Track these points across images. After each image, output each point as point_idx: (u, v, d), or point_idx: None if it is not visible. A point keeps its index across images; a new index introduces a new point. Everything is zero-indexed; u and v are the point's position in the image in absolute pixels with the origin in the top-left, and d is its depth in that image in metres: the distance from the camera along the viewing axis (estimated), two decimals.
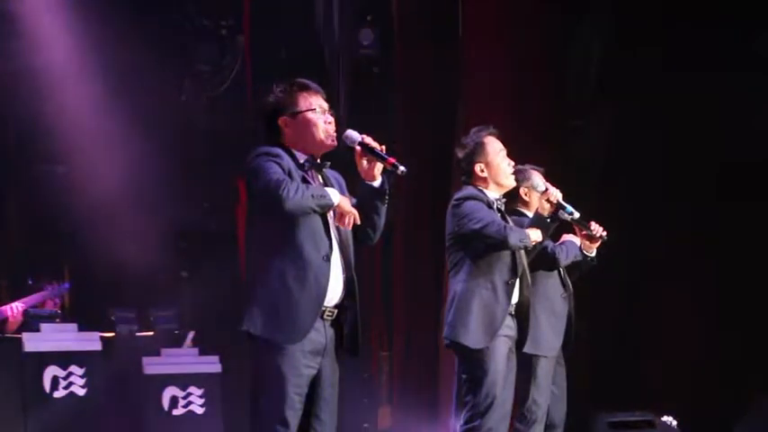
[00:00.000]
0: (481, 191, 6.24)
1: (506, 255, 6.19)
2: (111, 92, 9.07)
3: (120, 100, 9.05)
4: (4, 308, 8.03)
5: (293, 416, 4.86)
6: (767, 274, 8.97)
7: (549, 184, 6.51)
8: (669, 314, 9.17)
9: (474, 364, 6.07)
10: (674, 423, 8.13)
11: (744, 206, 9.05)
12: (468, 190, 6.25)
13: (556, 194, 6.39)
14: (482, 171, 6.29)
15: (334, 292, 4.93)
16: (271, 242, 4.88)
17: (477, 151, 6.31)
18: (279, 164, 4.85)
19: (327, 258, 4.88)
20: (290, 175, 4.86)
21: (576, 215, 6.51)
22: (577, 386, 7.12)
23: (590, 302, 7.17)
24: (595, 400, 8.29)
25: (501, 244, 6.07)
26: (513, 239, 6.06)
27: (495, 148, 6.31)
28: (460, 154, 6.35)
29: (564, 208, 6.44)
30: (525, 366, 6.49)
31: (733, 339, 8.98)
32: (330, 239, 4.91)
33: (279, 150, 4.93)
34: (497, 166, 6.29)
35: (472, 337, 6.07)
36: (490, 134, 6.35)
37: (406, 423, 9.58)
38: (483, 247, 6.13)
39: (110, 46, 9.11)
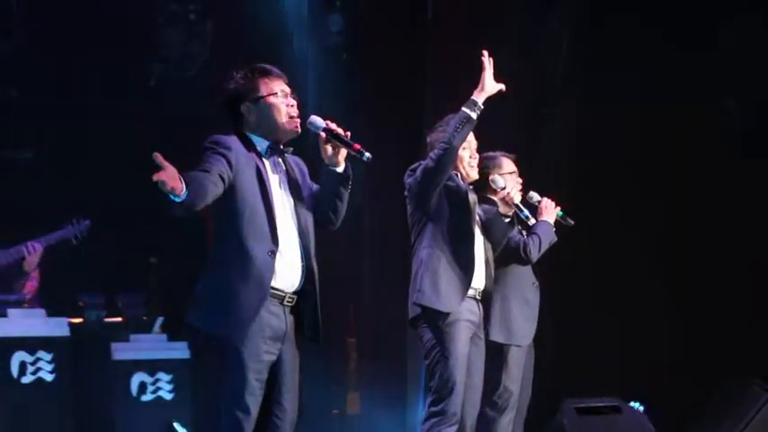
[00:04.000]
0: None
1: (463, 222, 6.21)
2: (78, 76, 9.04)
3: (86, 84, 9.03)
4: (21, 247, 8.04)
5: (253, 402, 4.86)
6: (735, 261, 9.03)
7: (509, 183, 6.55)
8: (637, 300, 9.21)
9: (435, 342, 6.08)
10: (642, 408, 8.18)
11: (716, 194, 9.11)
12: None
13: (513, 196, 6.42)
14: None
15: (292, 280, 4.94)
16: (219, 236, 4.90)
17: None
18: (224, 155, 4.84)
19: (273, 254, 4.87)
20: (237, 164, 4.85)
21: (532, 221, 6.56)
22: (544, 372, 7.16)
23: (558, 290, 7.20)
24: (562, 385, 8.32)
25: (447, 148, 6.02)
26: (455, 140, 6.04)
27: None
28: (428, 138, 6.37)
29: (521, 211, 6.47)
30: (496, 354, 6.51)
31: (701, 326, 9.03)
32: (276, 235, 4.91)
33: (229, 140, 4.92)
34: (459, 155, 6.29)
35: (444, 301, 6.06)
36: None
37: (374, 409, 9.60)
38: (437, 192, 6.13)
39: (75, 29, 9.09)
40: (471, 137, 6.29)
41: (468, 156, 6.35)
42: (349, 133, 5.01)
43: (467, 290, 6.12)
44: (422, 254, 6.17)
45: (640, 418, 7.88)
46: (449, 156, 6.03)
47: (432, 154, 6.07)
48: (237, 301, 4.83)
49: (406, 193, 6.27)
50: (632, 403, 8.12)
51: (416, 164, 6.21)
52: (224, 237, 4.88)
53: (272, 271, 4.86)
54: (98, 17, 9.21)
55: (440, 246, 6.14)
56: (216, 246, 4.92)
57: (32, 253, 8.08)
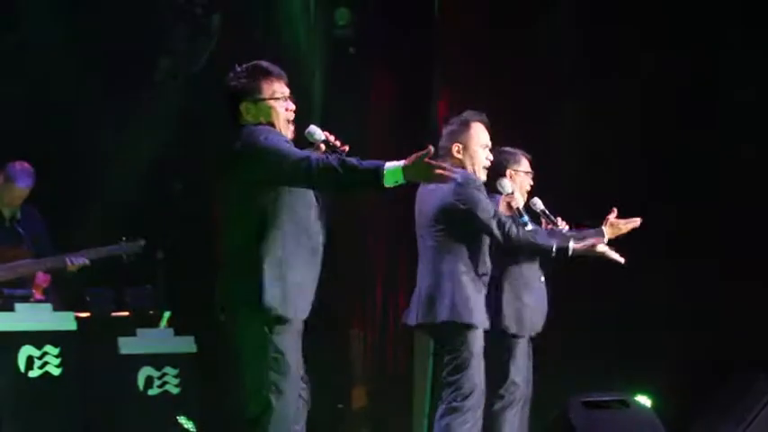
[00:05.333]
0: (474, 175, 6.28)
1: (487, 245, 6.25)
2: (82, 71, 9.03)
3: (91, 79, 9.02)
4: (63, 257, 8.03)
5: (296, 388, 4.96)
6: (742, 255, 9.02)
7: (519, 185, 6.58)
8: (644, 295, 9.21)
9: (463, 345, 6.12)
10: (648, 403, 8.18)
11: (721, 189, 9.10)
12: (469, 174, 6.28)
13: (518, 201, 6.47)
14: (458, 152, 6.32)
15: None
16: (278, 222, 4.88)
17: (461, 131, 6.35)
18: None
19: (320, 238, 4.97)
20: None
21: (529, 227, 6.54)
22: (552, 366, 7.17)
23: (565, 284, 7.21)
24: (569, 379, 8.33)
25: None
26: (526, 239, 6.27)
27: (479, 136, 6.36)
28: (445, 130, 6.39)
29: (521, 216, 6.48)
30: (504, 347, 6.54)
31: (708, 319, 9.03)
32: (321, 219, 4.97)
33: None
34: (475, 153, 6.34)
35: (477, 316, 6.16)
36: (480, 121, 6.39)
37: (380, 403, 9.60)
38: (476, 233, 6.20)
39: (79, 21, 9.09)
40: (487, 137, 6.34)
41: (484, 157, 6.38)
42: (347, 147, 5.01)
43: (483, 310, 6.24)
44: (444, 266, 6.18)
45: (647, 412, 7.88)
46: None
47: (505, 234, 6.19)
48: (303, 287, 4.90)
49: (438, 200, 6.24)
50: (639, 397, 8.12)
51: (466, 178, 6.19)
52: (282, 220, 4.88)
53: (320, 257, 4.95)
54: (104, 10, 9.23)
55: (466, 265, 6.21)
56: (273, 229, 4.87)
57: (73, 266, 8.08)
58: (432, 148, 4.65)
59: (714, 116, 9.22)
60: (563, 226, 6.87)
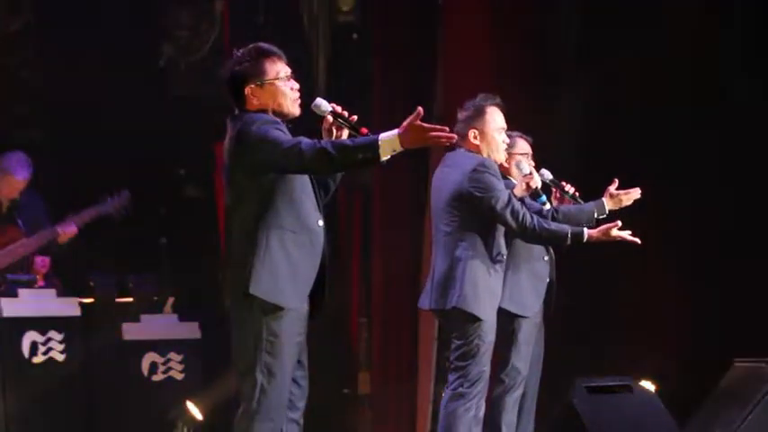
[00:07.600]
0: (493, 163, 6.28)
1: (503, 229, 6.24)
2: (85, 57, 9.03)
3: (94, 65, 9.01)
4: (53, 228, 8.04)
5: (289, 379, 4.89)
6: (749, 242, 9.01)
7: (533, 169, 6.58)
8: (650, 280, 9.20)
9: (474, 333, 6.12)
10: (653, 388, 8.17)
11: (727, 176, 9.08)
12: (485, 159, 6.27)
13: (537, 181, 6.46)
14: (475, 138, 6.31)
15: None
16: (272, 207, 4.84)
17: (476, 117, 6.32)
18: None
19: (320, 226, 4.91)
20: None
21: (548, 206, 6.56)
22: (556, 351, 7.16)
23: (569, 268, 7.20)
24: (573, 364, 8.32)
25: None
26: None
27: (495, 120, 6.34)
28: (460, 116, 6.37)
29: (539, 196, 6.48)
30: (506, 330, 6.52)
31: (713, 306, 9.02)
32: (320, 206, 4.94)
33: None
34: (492, 138, 6.32)
35: (483, 309, 6.14)
36: (495, 104, 6.37)
37: (385, 388, 9.61)
38: (490, 221, 6.21)
39: (83, 8, 9.09)
40: (503, 120, 6.33)
41: (501, 140, 6.37)
42: (355, 117, 4.98)
43: (500, 294, 6.25)
44: (458, 254, 6.17)
45: (652, 397, 7.87)
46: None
47: (520, 223, 6.16)
48: (298, 274, 4.85)
49: (452, 185, 6.22)
50: (644, 383, 8.11)
51: (482, 163, 6.18)
52: (278, 207, 4.85)
53: (322, 241, 4.91)
54: None
55: (480, 252, 6.18)
56: (268, 216, 4.84)
57: (64, 234, 8.09)
58: (421, 109, 4.60)
59: (715, 107, 9.21)
60: (570, 189, 6.89)
